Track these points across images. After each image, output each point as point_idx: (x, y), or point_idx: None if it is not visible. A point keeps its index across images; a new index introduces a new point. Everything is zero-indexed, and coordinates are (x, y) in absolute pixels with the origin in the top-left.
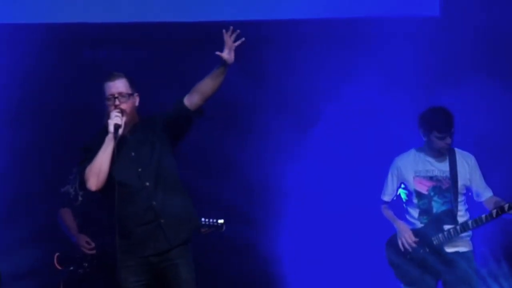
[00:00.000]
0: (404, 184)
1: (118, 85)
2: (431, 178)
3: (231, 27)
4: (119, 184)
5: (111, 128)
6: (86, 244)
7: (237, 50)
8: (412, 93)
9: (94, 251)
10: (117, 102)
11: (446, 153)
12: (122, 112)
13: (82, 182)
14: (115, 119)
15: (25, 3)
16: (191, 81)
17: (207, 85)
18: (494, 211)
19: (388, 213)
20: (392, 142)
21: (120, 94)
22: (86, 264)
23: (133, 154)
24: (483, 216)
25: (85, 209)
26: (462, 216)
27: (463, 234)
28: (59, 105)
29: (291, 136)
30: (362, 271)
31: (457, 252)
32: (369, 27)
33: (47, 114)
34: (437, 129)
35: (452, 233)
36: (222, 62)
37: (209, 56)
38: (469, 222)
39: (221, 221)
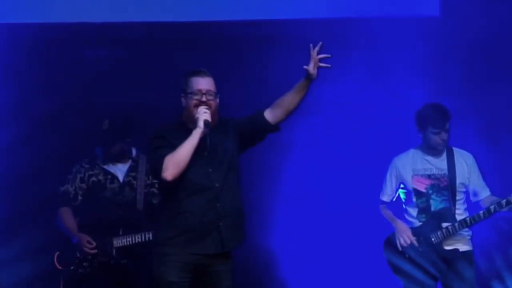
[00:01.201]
0: (403, 183)
1: (207, 82)
2: (429, 176)
3: (320, 43)
4: (189, 180)
5: (201, 124)
6: (86, 244)
7: (238, 50)
8: (412, 93)
9: (94, 251)
10: (204, 99)
11: (444, 151)
12: (208, 109)
13: (157, 170)
14: (205, 115)
15: (25, 3)
16: None
17: (290, 100)
18: (492, 207)
19: (387, 213)
20: (391, 142)
21: (208, 91)
22: (86, 264)
23: (206, 153)
24: (481, 212)
25: (85, 208)
26: (460, 214)
27: (463, 233)
28: (59, 105)
29: (291, 136)
30: (361, 270)
31: (456, 250)
32: (369, 27)
33: (47, 114)
34: (432, 124)
35: (450, 230)
36: (306, 76)
37: (209, 56)
38: (467, 219)
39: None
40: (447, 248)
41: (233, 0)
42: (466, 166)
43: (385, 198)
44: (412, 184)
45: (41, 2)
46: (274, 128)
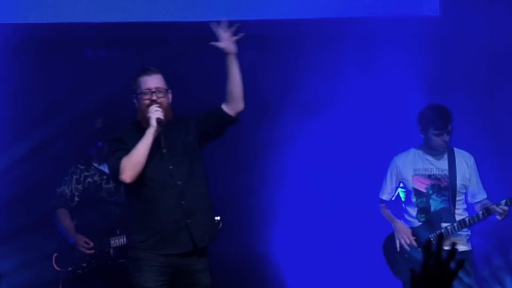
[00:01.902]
0: (403, 183)
1: (156, 80)
2: (429, 177)
3: (224, 19)
4: (150, 180)
5: (153, 122)
6: (84, 245)
7: (238, 50)
8: (412, 92)
9: (92, 251)
10: (154, 97)
11: (445, 152)
12: (160, 107)
13: (116, 173)
14: (156, 113)
15: (25, 3)
16: (192, 81)
17: (230, 85)
18: (492, 207)
19: (386, 212)
20: (392, 141)
21: (158, 89)
22: (85, 265)
23: (165, 151)
24: (480, 213)
25: (82, 209)
26: (460, 215)
27: (462, 233)
28: (59, 105)
29: (290, 136)
30: (360, 269)
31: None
32: (369, 27)
33: (46, 114)
34: (434, 126)
35: (449, 230)
36: (225, 53)
37: (209, 56)
38: (466, 219)
39: (217, 218)
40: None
41: (233, 1)
42: (467, 167)
43: (385, 197)
44: (412, 184)
45: (41, 2)
46: (235, 119)
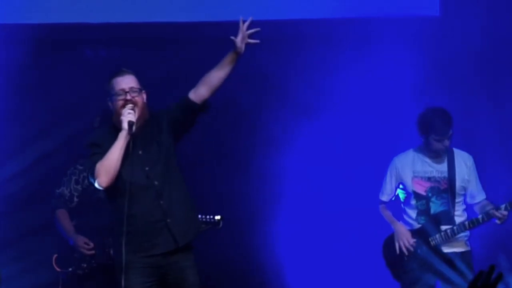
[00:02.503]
0: (402, 184)
1: (128, 80)
2: (429, 179)
3: (251, 18)
4: (127, 182)
5: (125, 125)
6: (84, 245)
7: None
8: (412, 93)
9: (92, 252)
10: (128, 97)
11: (445, 154)
12: (134, 108)
13: (91, 179)
14: (129, 116)
15: (25, 3)
16: (192, 81)
17: (214, 75)
18: (491, 212)
19: (386, 214)
20: (391, 141)
21: (131, 88)
22: (85, 265)
23: (140, 152)
24: (480, 216)
25: (81, 210)
26: (459, 216)
27: (461, 235)
28: (58, 105)
29: (290, 136)
30: (360, 271)
31: (454, 253)
32: (369, 27)
33: (46, 114)
34: (435, 131)
35: (449, 233)
36: (234, 49)
37: (209, 56)
38: (466, 223)
39: (218, 217)
40: (446, 250)
41: (233, 1)
42: (466, 168)
43: (384, 198)
44: (412, 186)
45: (41, 2)
46: (201, 107)
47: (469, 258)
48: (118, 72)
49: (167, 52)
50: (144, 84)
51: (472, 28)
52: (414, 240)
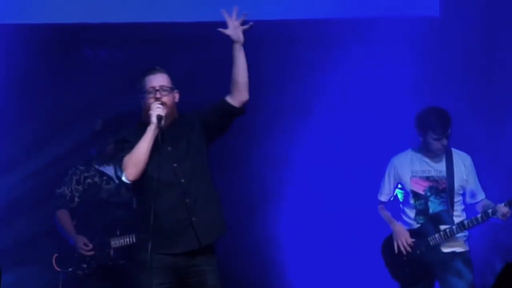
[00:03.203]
0: (401, 184)
1: (160, 79)
2: (427, 178)
3: (236, 7)
4: (154, 178)
5: (153, 119)
6: (83, 246)
7: None
8: (411, 93)
9: (92, 253)
10: (158, 95)
11: (443, 153)
12: (163, 104)
13: (119, 173)
14: (157, 110)
15: (25, 3)
16: (192, 81)
17: (235, 74)
18: (490, 211)
19: (385, 214)
20: (391, 142)
21: (162, 87)
22: (85, 265)
23: (169, 149)
24: (479, 216)
25: (82, 210)
26: (458, 216)
27: (460, 235)
28: (59, 105)
29: (290, 136)
30: (359, 271)
31: (453, 252)
32: (369, 27)
33: (46, 114)
34: (433, 130)
35: (448, 233)
36: (232, 40)
37: (209, 56)
38: (465, 222)
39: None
40: (444, 250)
41: (233, 1)
42: (464, 168)
43: (383, 198)
44: (410, 185)
45: (41, 2)
46: (239, 110)
47: (468, 258)
48: (151, 70)
49: (167, 52)
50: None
51: (472, 28)
52: (413, 240)
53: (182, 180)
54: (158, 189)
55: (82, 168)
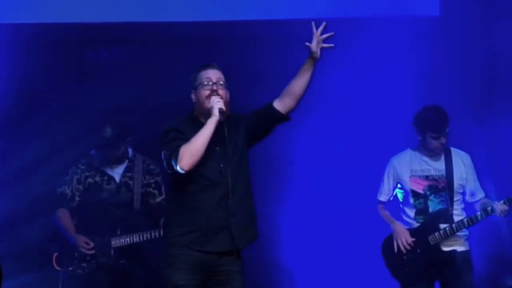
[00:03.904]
0: (400, 183)
1: (217, 73)
2: (427, 178)
3: (324, 23)
4: (200, 175)
5: (216, 112)
6: (84, 245)
7: (238, 50)
8: (411, 92)
9: (92, 252)
10: (215, 87)
11: (442, 152)
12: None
13: (172, 162)
14: (218, 103)
15: (25, 3)
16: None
17: (297, 85)
18: (489, 208)
19: (385, 214)
20: (391, 142)
21: (219, 79)
22: (85, 265)
23: (217, 148)
24: (478, 213)
25: (82, 209)
26: (458, 215)
27: (460, 234)
28: (59, 105)
29: (289, 136)
30: (359, 271)
31: (454, 251)
32: (369, 27)
33: (46, 114)
34: (431, 129)
35: (448, 231)
36: (310, 55)
37: (209, 56)
38: (465, 220)
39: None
40: (445, 249)
41: (233, 1)
42: (463, 167)
43: (382, 198)
44: (410, 185)
45: (41, 2)
46: (285, 117)
47: (468, 257)
48: (208, 65)
49: (168, 52)
50: (144, 84)
51: (472, 28)
52: (413, 239)
53: (228, 181)
54: (202, 187)
55: (83, 167)
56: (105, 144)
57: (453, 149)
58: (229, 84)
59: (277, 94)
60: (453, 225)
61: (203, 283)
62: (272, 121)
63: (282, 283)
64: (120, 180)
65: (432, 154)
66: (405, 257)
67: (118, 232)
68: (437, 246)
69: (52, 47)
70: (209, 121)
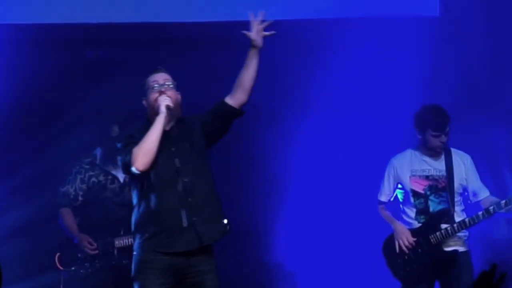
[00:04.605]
0: (401, 184)
1: (164, 76)
2: (427, 177)
3: (263, 12)
4: (158, 177)
5: (162, 108)
6: (88, 244)
7: (238, 51)
8: (411, 92)
9: (96, 252)
10: (163, 89)
11: (442, 152)
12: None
13: (128, 165)
14: (166, 101)
15: (25, 3)
16: (192, 81)
17: (244, 77)
18: (491, 208)
19: (385, 214)
20: (391, 142)
21: (166, 80)
22: (88, 265)
23: (173, 149)
24: (480, 213)
25: (85, 209)
26: (458, 216)
27: (460, 234)
28: (59, 105)
29: (289, 136)
30: (360, 271)
31: (455, 251)
32: (369, 27)
33: (47, 114)
34: (432, 127)
35: (449, 231)
36: (250, 43)
37: (209, 56)
38: (466, 220)
39: (225, 221)
40: (446, 249)
41: (233, 1)
42: (464, 167)
43: (383, 198)
44: (410, 185)
45: (41, 2)
46: (239, 112)
47: (469, 258)
48: (154, 70)
49: (168, 52)
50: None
51: (472, 28)
52: (414, 239)
53: (186, 180)
54: (161, 188)
55: (87, 167)
56: (113, 143)
57: (453, 150)
58: (179, 85)
59: (277, 94)
60: (455, 225)
61: (175, 286)
62: (226, 118)
63: (282, 284)
64: (124, 180)
65: (433, 153)
66: (406, 257)
67: (122, 232)
68: (438, 246)
69: (52, 47)
70: (157, 118)
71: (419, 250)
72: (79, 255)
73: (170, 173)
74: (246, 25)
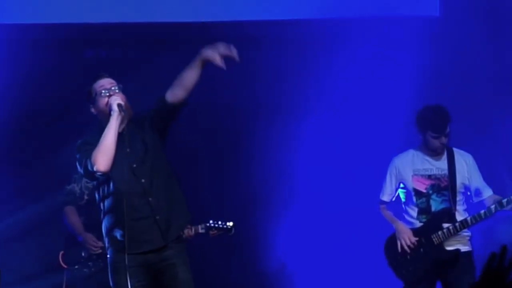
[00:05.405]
0: (403, 183)
1: (109, 80)
2: (429, 177)
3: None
4: (116, 180)
5: (115, 107)
6: (93, 243)
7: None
8: (411, 93)
9: (100, 251)
10: (111, 93)
11: (444, 152)
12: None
13: (89, 169)
14: (117, 100)
15: (25, 3)
16: None
17: (186, 77)
18: (493, 207)
19: (387, 214)
20: (392, 142)
21: (112, 84)
22: (91, 263)
23: (128, 150)
24: (482, 212)
25: (90, 208)
26: (460, 215)
27: (463, 233)
28: (59, 105)
29: (289, 136)
30: (362, 271)
31: (457, 251)
32: (368, 27)
33: (47, 114)
34: (432, 129)
35: (451, 230)
36: (202, 57)
37: None
38: (468, 219)
39: (230, 224)
40: (448, 248)
41: (233, 1)
42: (466, 166)
43: (385, 198)
44: (412, 184)
45: (41, 2)
46: (181, 104)
47: (471, 257)
48: (98, 76)
49: (168, 52)
50: (143, 84)
51: (472, 28)
52: (416, 238)
53: (143, 180)
54: (120, 190)
55: None
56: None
57: (455, 149)
58: (124, 87)
59: (277, 94)
60: (457, 224)
61: (151, 282)
62: (169, 112)
63: (283, 284)
64: None
65: (434, 153)
66: (408, 257)
67: None
68: (440, 245)
69: (52, 47)
70: (111, 118)
71: (421, 249)
72: (83, 254)
73: (128, 175)
74: (247, 25)
